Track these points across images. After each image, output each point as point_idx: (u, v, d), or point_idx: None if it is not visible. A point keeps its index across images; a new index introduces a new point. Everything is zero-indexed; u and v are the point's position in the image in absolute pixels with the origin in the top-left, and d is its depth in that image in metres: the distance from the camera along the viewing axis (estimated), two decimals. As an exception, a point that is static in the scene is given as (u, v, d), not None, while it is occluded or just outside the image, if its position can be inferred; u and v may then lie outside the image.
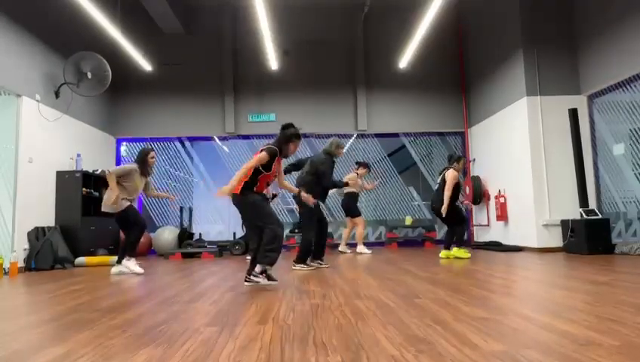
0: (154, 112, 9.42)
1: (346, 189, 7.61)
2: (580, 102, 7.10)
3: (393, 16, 9.62)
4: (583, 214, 6.44)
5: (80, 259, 6.62)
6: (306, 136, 8.94)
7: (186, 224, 8.85)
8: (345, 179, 7.72)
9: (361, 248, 7.63)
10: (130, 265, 5.24)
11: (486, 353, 1.77)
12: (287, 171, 6.12)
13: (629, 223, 6.48)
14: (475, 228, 9.45)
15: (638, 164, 6.26)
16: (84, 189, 7.15)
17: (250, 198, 3.82)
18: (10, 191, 6.13)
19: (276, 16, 8.11)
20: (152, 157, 5.38)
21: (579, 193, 6.65)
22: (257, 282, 3.77)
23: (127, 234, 5.29)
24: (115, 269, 5.29)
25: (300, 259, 5.31)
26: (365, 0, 8.80)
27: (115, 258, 6.64)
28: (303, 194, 4.55)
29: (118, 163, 9.31)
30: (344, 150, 5.71)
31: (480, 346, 1.87)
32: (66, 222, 6.90)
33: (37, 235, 6.34)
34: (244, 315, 2.66)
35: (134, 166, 5.27)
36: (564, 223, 6.72)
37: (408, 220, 9.37)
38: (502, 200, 8.01)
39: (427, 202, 9.95)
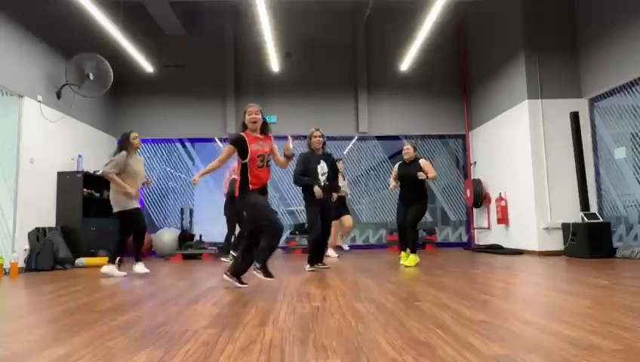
0: (155, 113, 9.43)
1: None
2: (581, 105, 7.09)
3: (395, 18, 9.63)
4: (584, 218, 6.43)
5: (80, 260, 6.62)
6: (306, 138, 8.93)
7: (186, 225, 8.84)
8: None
9: (331, 251, 7.43)
10: (137, 267, 5.33)
11: (487, 357, 1.77)
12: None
13: (630, 227, 6.47)
14: (475, 231, 9.43)
15: (639, 168, 6.25)
16: (85, 190, 7.15)
17: (250, 199, 3.74)
18: (12, 192, 6.13)
19: (278, 18, 8.11)
20: (135, 138, 5.26)
21: (580, 196, 6.64)
22: (238, 285, 3.83)
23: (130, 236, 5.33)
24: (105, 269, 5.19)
25: (308, 260, 5.34)
26: (367, 2, 8.81)
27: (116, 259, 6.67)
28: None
29: (119, 164, 9.30)
30: (318, 140, 5.32)
31: (481, 350, 1.86)
32: (67, 222, 6.90)
33: (38, 236, 6.34)
34: (245, 317, 2.65)
35: (124, 153, 5.19)
36: (565, 227, 6.71)
37: (409, 223, 9.35)
38: (503, 203, 8.00)
39: (429, 204, 9.94)
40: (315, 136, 5.26)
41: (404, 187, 5.75)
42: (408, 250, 5.63)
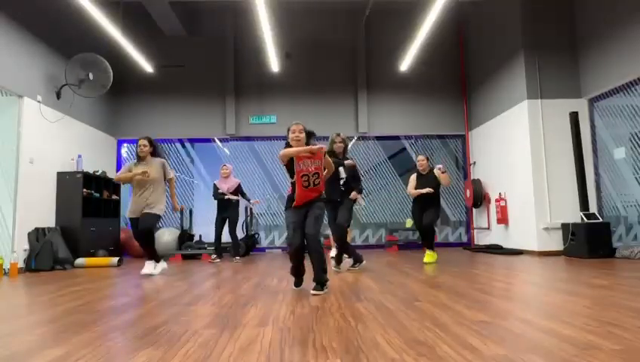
0: (155, 113, 9.43)
1: None
2: (580, 105, 7.10)
3: (394, 18, 9.64)
4: (584, 218, 6.44)
5: (80, 260, 6.61)
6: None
7: (186, 225, 8.84)
8: None
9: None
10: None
11: (486, 357, 1.77)
12: None
13: (629, 227, 6.47)
14: (475, 231, 9.44)
15: (638, 168, 6.25)
16: (84, 190, 7.14)
17: (286, 217, 3.73)
18: (11, 192, 6.13)
19: (277, 18, 8.12)
20: (139, 146, 5.16)
21: (579, 196, 6.64)
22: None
23: None
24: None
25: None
26: (367, 2, 8.81)
27: (115, 259, 6.67)
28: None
29: (118, 164, 9.31)
30: (341, 143, 5.11)
31: (480, 350, 1.86)
32: (67, 223, 6.89)
33: (37, 236, 6.33)
34: (244, 317, 2.65)
35: (133, 161, 5.30)
36: (564, 227, 6.71)
37: (409, 223, 9.34)
38: (502, 203, 8.00)
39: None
40: (336, 142, 5.09)
41: (420, 196, 5.98)
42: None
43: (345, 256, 5.31)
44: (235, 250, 7.24)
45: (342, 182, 5.08)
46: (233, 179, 7.23)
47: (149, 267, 5.17)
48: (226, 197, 6.98)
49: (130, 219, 5.19)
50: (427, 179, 5.95)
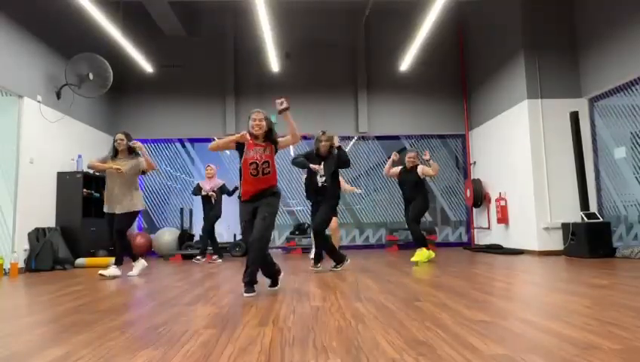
0: (155, 113, 9.43)
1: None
2: (581, 105, 7.09)
3: (394, 18, 9.63)
4: (584, 217, 6.43)
5: (80, 260, 6.62)
6: (306, 138, 8.94)
7: (186, 225, 8.85)
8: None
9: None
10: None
11: (486, 356, 1.77)
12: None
13: (630, 227, 6.47)
14: (475, 230, 9.44)
15: (639, 168, 6.25)
16: (84, 190, 7.15)
17: (240, 215, 3.68)
18: (11, 192, 6.13)
19: (277, 18, 8.11)
20: (116, 140, 5.15)
21: (580, 196, 6.64)
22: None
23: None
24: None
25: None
26: (367, 3, 8.81)
27: (113, 259, 6.64)
28: None
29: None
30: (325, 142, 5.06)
31: (480, 349, 1.86)
32: (67, 223, 6.90)
33: (37, 236, 6.33)
34: (244, 317, 2.65)
35: (109, 153, 5.21)
36: (564, 226, 6.71)
37: (409, 223, 9.35)
38: (502, 203, 8.00)
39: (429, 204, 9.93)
40: (321, 141, 5.05)
41: (405, 192, 6.16)
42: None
43: (341, 255, 5.27)
44: (216, 251, 7.18)
45: (323, 179, 5.06)
46: (217, 180, 7.25)
47: (111, 271, 5.00)
48: (204, 193, 7.02)
49: (105, 213, 5.13)
50: (409, 175, 6.08)
